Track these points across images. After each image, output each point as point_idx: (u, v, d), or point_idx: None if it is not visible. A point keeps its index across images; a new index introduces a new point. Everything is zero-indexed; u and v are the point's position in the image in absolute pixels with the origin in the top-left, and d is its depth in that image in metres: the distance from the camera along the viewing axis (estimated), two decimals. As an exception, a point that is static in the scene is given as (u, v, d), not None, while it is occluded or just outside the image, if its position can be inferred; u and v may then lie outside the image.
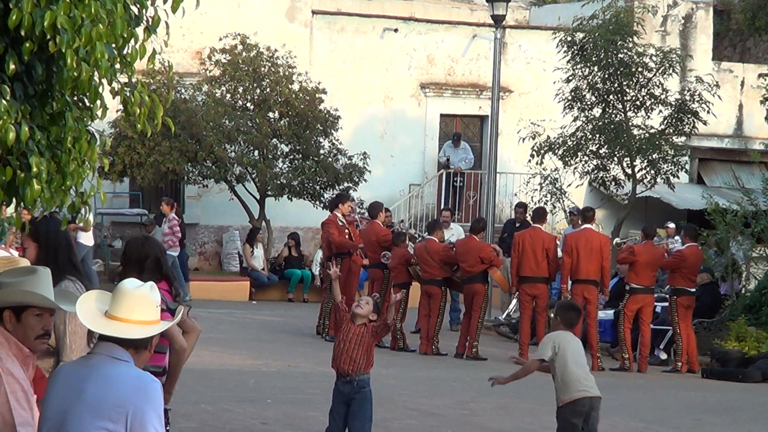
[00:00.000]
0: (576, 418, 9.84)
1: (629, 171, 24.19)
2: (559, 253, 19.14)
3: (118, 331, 5.25)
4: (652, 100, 23.88)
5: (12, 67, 5.07)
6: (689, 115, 23.88)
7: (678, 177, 24.83)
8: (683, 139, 24.87)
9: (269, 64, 26.13)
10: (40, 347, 5.72)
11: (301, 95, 26.01)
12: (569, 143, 24.10)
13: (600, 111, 24.07)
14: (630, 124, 23.92)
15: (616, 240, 21.81)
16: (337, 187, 25.50)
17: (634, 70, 23.58)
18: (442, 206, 27.89)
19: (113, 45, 5.39)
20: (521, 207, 24.65)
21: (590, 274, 18.44)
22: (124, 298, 5.30)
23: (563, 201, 24.74)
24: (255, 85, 26.06)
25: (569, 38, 23.72)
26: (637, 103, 23.96)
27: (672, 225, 23.67)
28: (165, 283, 7.48)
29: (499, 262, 19.17)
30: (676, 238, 20.81)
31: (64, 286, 6.53)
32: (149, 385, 5.23)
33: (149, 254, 7.56)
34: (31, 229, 6.69)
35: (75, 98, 5.61)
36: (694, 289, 19.19)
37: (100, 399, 5.20)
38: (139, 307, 5.29)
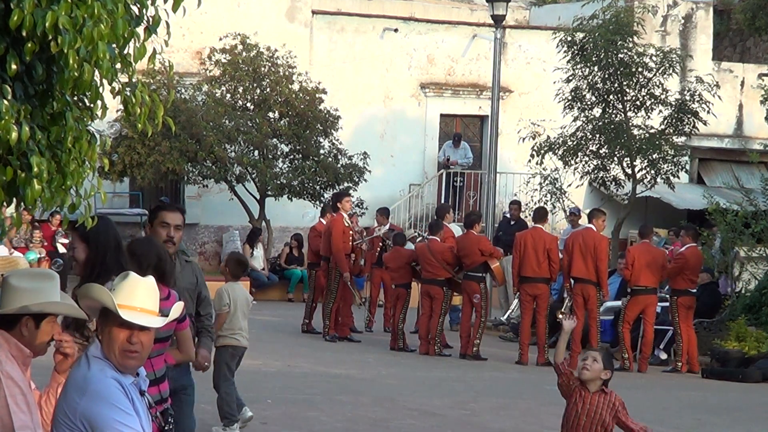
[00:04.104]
0: (232, 360, 11.77)
1: (629, 171, 24.18)
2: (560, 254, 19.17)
3: (146, 320, 5.14)
4: (652, 100, 23.87)
5: (13, 67, 5.07)
6: (689, 115, 23.87)
7: (678, 177, 24.82)
8: (683, 139, 24.86)
9: (269, 64, 26.15)
10: (45, 351, 5.69)
11: (301, 95, 26.02)
12: (569, 143, 24.09)
13: (600, 111, 24.06)
14: (630, 124, 23.91)
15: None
16: (337, 187, 25.51)
17: (634, 70, 23.57)
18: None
19: (114, 45, 5.39)
20: (515, 204, 24.62)
21: (582, 273, 18.40)
22: (136, 287, 5.19)
23: (563, 201, 24.74)
24: (255, 85, 26.07)
25: (569, 38, 23.71)
26: (637, 103, 23.95)
27: None
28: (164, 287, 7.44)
29: (498, 254, 19.14)
30: None
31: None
32: (92, 385, 5.02)
33: (152, 254, 7.52)
34: (82, 229, 6.65)
35: (75, 98, 5.61)
36: (695, 290, 19.20)
37: (56, 407, 5.12)
38: (152, 296, 5.23)
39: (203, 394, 13.46)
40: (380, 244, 21.18)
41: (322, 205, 24.06)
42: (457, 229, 23.03)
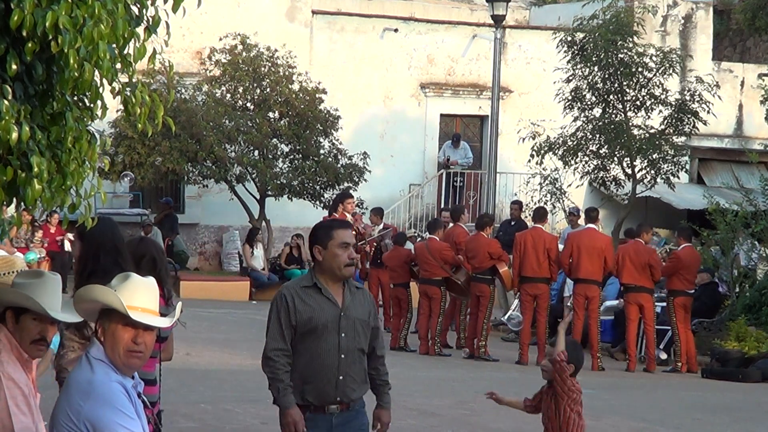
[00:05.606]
0: None
1: (629, 171, 24.18)
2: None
3: (152, 320, 5.15)
4: (652, 100, 23.87)
5: (13, 67, 5.06)
6: (689, 115, 23.88)
7: (678, 177, 24.82)
8: (683, 139, 24.87)
9: (269, 64, 26.15)
10: (35, 353, 5.64)
11: (301, 95, 26.02)
12: (569, 143, 24.10)
13: (600, 111, 24.07)
14: (630, 124, 23.91)
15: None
16: (337, 187, 25.51)
17: (634, 70, 23.57)
18: (442, 206, 27.90)
19: (114, 45, 5.39)
20: (516, 204, 24.61)
21: (590, 274, 18.43)
22: (138, 288, 5.19)
23: (563, 201, 24.74)
24: (255, 85, 26.07)
25: (569, 38, 23.72)
26: (637, 103, 23.95)
27: None
28: (159, 286, 7.41)
29: (507, 258, 19.14)
30: None
31: None
32: (97, 389, 5.02)
33: (145, 254, 7.50)
34: (79, 227, 6.62)
35: (75, 98, 5.61)
36: (692, 291, 19.20)
37: (57, 409, 5.11)
38: (153, 297, 5.23)
39: (202, 394, 13.44)
40: (374, 244, 21.21)
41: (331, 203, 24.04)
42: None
